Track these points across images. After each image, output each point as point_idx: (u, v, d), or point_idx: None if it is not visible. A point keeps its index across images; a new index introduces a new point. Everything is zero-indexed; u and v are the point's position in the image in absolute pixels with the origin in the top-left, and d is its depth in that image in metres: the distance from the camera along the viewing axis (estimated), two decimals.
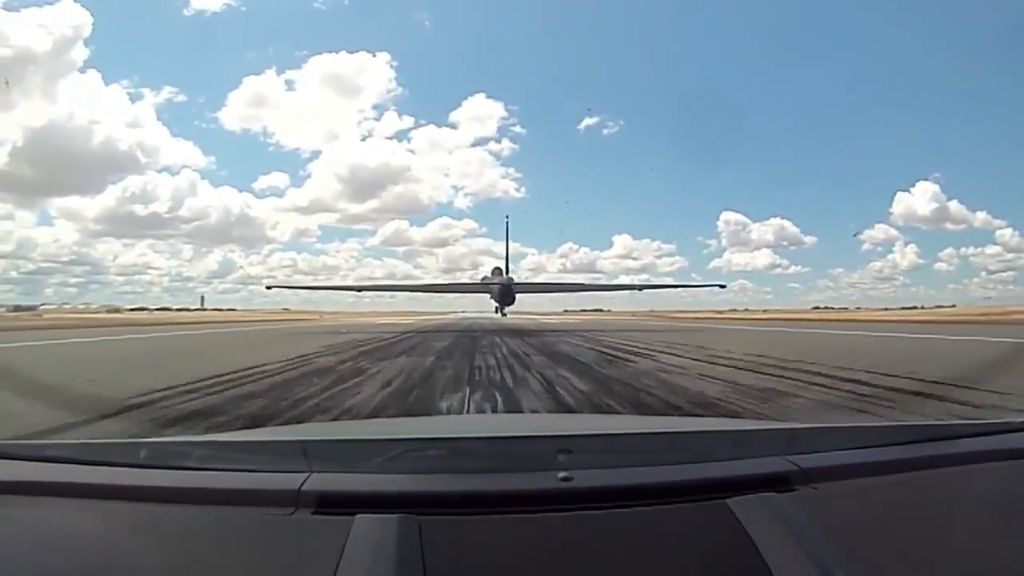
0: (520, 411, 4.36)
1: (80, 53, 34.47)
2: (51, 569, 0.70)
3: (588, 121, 40.16)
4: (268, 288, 31.71)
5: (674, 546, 0.79)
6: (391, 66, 38.59)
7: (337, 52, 38.75)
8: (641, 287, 26.65)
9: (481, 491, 0.89)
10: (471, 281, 27.30)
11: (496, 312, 22.29)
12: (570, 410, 4.35)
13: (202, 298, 44.14)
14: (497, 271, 25.64)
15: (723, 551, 0.77)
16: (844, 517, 0.85)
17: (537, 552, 0.77)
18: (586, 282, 31.59)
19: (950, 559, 0.77)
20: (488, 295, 24.19)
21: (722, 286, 29.00)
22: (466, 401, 4.69)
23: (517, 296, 23.60)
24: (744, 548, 0.76)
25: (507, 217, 27.80)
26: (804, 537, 0.75)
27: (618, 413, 4.28)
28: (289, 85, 38.92)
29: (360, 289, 26.52)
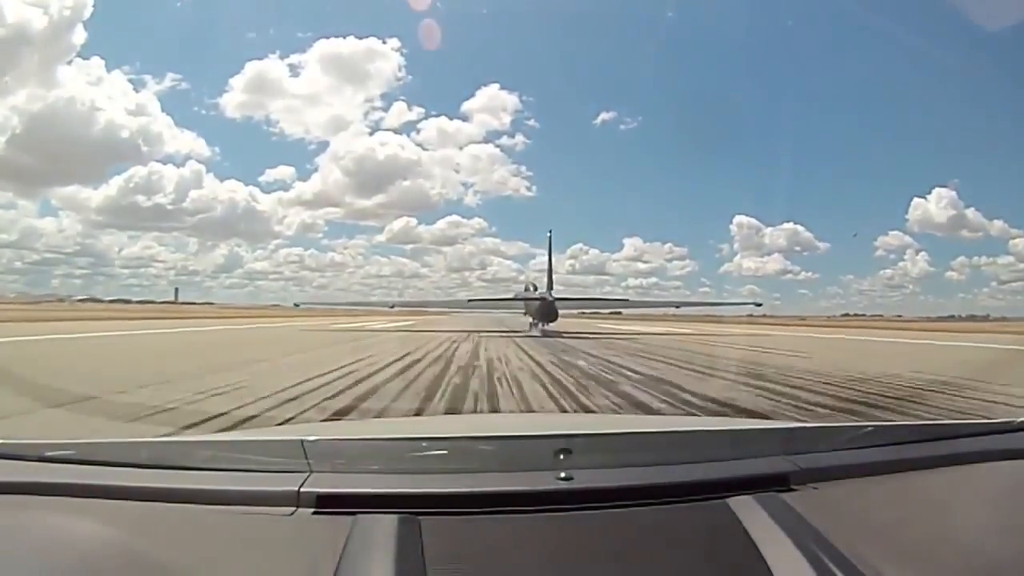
0: (520, 411, 4.36)
1: (80, 36, 33.41)
2: (51, 569, 0.70)
3: (604, 116, 39.49)
4: (296, 306, 31.35)
5: (674, 546, 0.79)
6: (401, 53, 37.82)
7: (345, 37, 37.87)
8: (678, 304, 25.85)
9: (481, 491, 0.89)
10: (504, 295, 25.85)
11: (530, 328, 20.01)
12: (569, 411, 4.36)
13: (176, 291, 43.14)
14: (532, 286, 23.76)
15: (723, 551, 0.77)
16: (844, 517, 0.85)
17: (537, 552, 0.77)
18: (632, 298, 30.73)
19: (950, 558, 0.77)
20: (524, 311, 22.28)
21: (758, 304, 28.29)
22: None
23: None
24: (744, 548, 0.76)
25: (550, 232, 25.13)
26: (804, 537, 0.75)
27: (618, 413, 4.29)
28: (294, 71, 38.21)
29: (393, 306, 25.81)
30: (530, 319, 21.14)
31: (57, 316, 20.73)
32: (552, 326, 19.74)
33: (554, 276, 23.12)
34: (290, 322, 24.70)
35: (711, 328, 24.47)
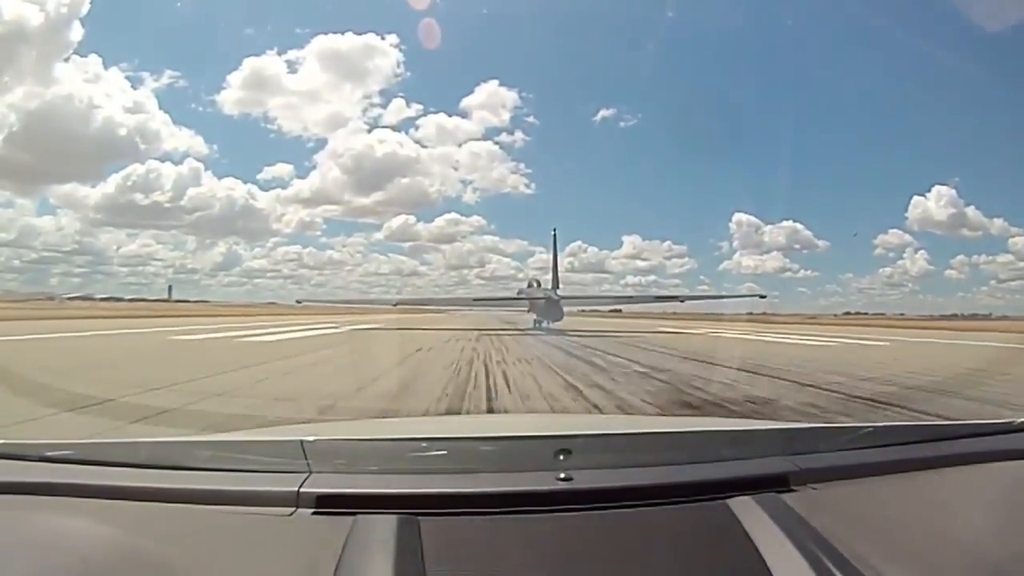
0: (520, 411, 4.36)
1: (77, 33, 32.77)
2: (51, 569, 0.70)
3: (604, 113, 39.34)
4: (298, 302, 30.94)
5: (674, 546, 0.79)
6: (400, 49, 37.53)
7: (343, 33, 37.52)
8: (683, 299, 25.30)
9: (481, 491, 0.89)
10: (506, 294, 25.94)
11: (534, 325, 19.92)
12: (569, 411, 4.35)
13: (169, 288, 42.93)
14: (535, 283, 23.78)
15: (723, 551, 0.77)
16: (844, 517, 0.85)
17: (537, 552, 0.77)
18: (634, 295, 30.39)
19: (950, 559, 0.77)
20: (528, 309, 22.01)
21: (762, 296, 28.21)
22: None
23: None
24: (744, 548, 0.76)
25: (554, 230, 24.94)
26: (804, 537, 0.75)
27: (618, 413, 4.29)
28: (292, 68, 37.91)
29: (396, 303, 25.59)
30: (534, 317, 20.98)
31: (19, 316, 17.98)
32: (556, 324, 19.63)
33: (562, 272, 22.72)
34: (241, 321, 19.23)
35: (732, 327, 21.28)
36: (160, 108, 36.04)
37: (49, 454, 1.01)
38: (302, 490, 0.87)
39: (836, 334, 16.53)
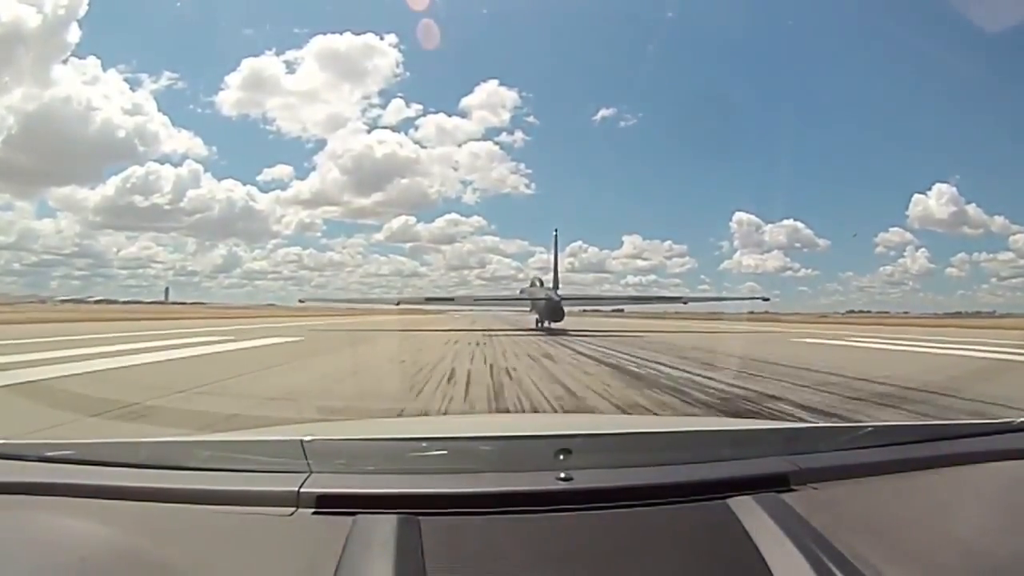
0: (520, 411, 4.36)
1: (75, 35, 32.36)
2: (51, 569, 0.70)
3: (604, 112, 39.39)
4: (301, 302, 30.71)
5: (674, 546, 0.79)
6: (399, 49, 37.48)
7: (342, 33, 37.45)
8: (686, 300, 25.20)
9: (481, 491, 0.89)
10: (507, 294, 26.31)
11: (536, 326, 20.04)
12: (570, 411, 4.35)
13: (167, 290, 42.75)
14: (538, 282, 23.96)
15: (723, 551, 0.77)
16: (844, 517, 0.85)
17: (537, 552, 0.77)
18: (637, 295, 29.90)
19: (950, 559, 0.77)
20: (529, 309, 22.14)
21: (765, 299, 28.01)
22: None
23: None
24: (744, 548, 0.76)
25: (555, 231, 25.73)
26: (804, 537, 0.75)
27: (618, 413, 4.29)
28: (290, 68, 37.81)
29: (399, 303, 25.41)
30: (536, 317, 21.01)
31: None
32: (558, 325, 19.60)
33: (562, 272, 22.73)
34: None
35: (734, 326, 20.70)
36: (159, 110, 36.15)
37: (48, 454, 1.01)
38: (302, 490, 0.87)
39: (902, 337, 13.52)
